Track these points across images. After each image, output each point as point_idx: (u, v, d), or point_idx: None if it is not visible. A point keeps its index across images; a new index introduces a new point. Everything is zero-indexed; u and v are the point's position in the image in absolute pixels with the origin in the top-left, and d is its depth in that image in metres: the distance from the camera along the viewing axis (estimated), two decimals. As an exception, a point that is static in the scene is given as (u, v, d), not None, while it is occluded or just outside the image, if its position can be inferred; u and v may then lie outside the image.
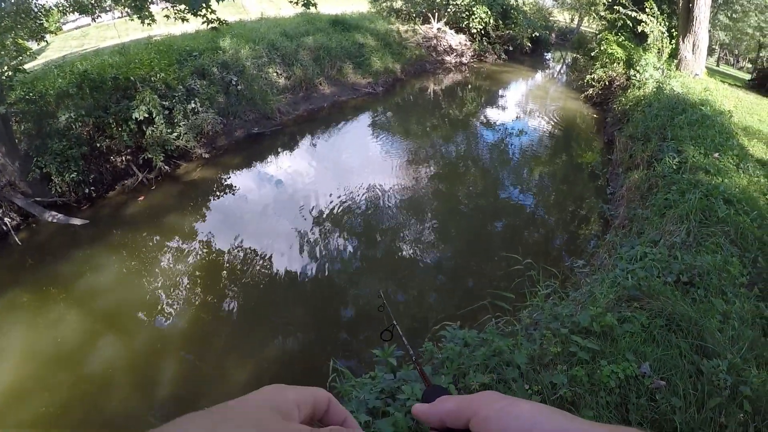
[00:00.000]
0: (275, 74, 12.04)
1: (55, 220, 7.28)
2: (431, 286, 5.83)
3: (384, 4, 19.37)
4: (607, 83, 13.16)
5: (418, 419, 0.49)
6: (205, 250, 6.79)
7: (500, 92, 15.51)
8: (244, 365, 4.83)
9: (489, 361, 2.86)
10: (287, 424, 0.38)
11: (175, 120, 9.05)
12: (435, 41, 19.20)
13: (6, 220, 7.14)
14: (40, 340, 5.30)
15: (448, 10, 19.12)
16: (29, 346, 5.24)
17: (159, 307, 5.62)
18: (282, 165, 9.62)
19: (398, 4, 19.41)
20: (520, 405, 0.41)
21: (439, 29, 19.45)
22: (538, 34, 21.63)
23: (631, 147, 8.46)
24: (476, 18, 19.20)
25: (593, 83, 13.45)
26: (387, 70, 15.36)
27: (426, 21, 19.63)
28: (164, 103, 8.90)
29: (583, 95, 14.07)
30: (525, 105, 14.11)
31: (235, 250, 6.71)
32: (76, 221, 7.35)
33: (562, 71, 21.09)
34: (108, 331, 5.35)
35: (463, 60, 19.72)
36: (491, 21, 19.58)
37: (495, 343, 2.96)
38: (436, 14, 19.29)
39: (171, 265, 6.48)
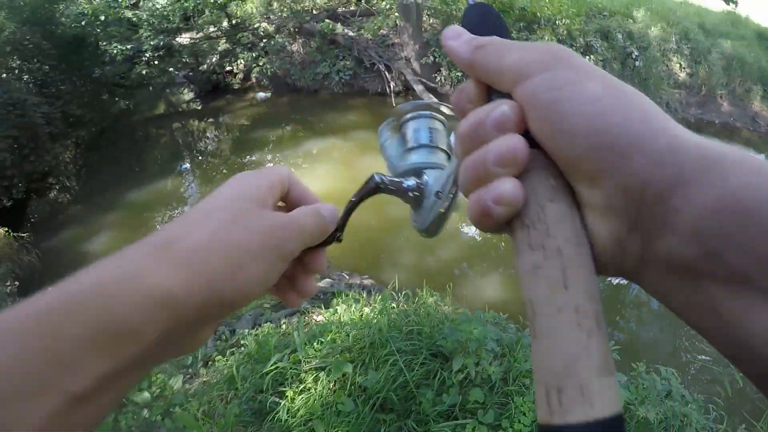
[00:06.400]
0: (678, 65, 10.18)
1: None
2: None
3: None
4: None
5: (448, 53, 0.30)
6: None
7: None
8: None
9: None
10: (264, 212, 0.34)
11: (562, 67, 8.56)
12: None
13: (391, 84, 7.98)
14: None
15: None
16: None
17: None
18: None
19: None
20: (586, 84, 0.25)
21: None
22: None
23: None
24: None
25: None
26: (808, 116, 11.64)
27: None
28: (559, 47, 8.50)
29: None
30: None
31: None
32: (445, 110, 7.44)
33: None
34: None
35: None
36: None
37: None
38: None
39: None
